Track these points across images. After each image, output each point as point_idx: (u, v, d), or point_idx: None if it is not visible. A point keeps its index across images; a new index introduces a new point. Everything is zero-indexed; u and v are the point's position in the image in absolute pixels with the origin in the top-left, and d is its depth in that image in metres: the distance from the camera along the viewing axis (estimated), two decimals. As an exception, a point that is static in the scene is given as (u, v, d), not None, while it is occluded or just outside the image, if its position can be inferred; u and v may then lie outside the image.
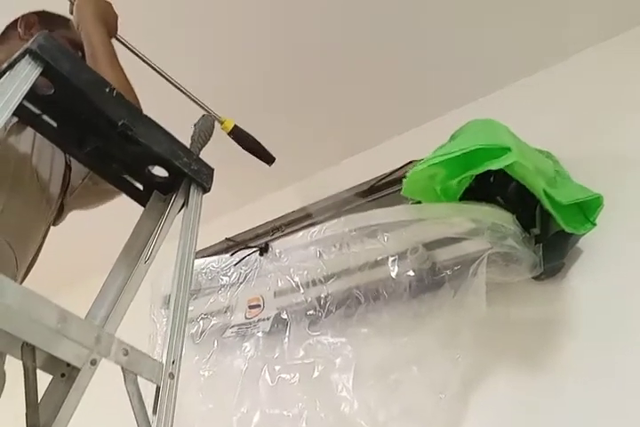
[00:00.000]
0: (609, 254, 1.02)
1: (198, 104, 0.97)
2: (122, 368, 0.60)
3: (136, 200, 0.83)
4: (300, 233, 1.17)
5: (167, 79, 0.98)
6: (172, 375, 0.63)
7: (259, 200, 1.78)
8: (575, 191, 1.04)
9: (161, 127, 0.78)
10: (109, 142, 0.75)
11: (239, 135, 1.00)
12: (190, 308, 1.28)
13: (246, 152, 1.04)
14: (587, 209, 1.05)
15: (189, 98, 0.98)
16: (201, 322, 1.25)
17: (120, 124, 0.71)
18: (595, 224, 1.04)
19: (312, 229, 1.13)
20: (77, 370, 0.59)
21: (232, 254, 1.28)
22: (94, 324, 0.63)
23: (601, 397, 0.90)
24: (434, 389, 0.98)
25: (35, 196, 0.87)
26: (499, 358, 1.04)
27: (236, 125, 0.99)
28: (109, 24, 0.93)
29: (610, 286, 0.99)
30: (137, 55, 0.96)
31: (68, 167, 0.93)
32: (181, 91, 0.99)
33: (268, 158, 1.03)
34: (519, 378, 1.00)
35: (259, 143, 1.02)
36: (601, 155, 1.16)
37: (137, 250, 0.75)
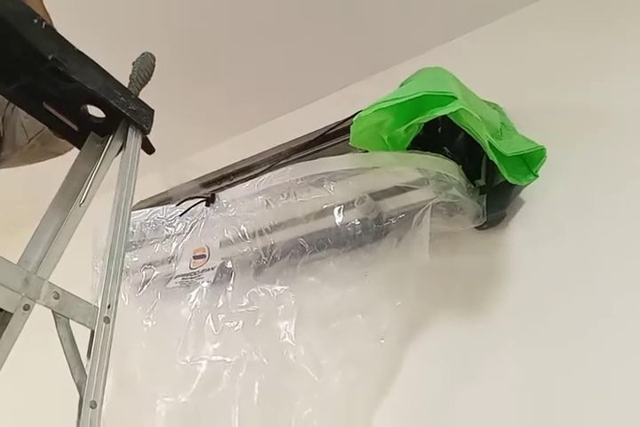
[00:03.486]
0: (549, 205, 1.04)
1: None
2: (52, 312, 0.58)
3: (71, 142, 0.79)
4: (247, 183, 1.15)
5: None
6: (107, 320, 0.62)
7: (207, 149, 1.74)
8: (519, 143, 1.05)
9: (96, 64, 0.73)
10: (39, 79, 0.70)
11: None
12: (135, 258, 1.27)
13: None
14: (530, 161, 1.06)
15: None
16: (144, 272, 1.23)
17: (50, 58, 0.67)
18: (537, 176, 1.05)
19: (259, 179, 1.11)
20: (10, 315, 0.57)
21: (177, 205, 1.25)
22: (20, 266, 0.60)
23: (538, 341, 0.93)
24: (376, 336, 1.00)
25: None
26: (441, 306, 1.06)
27: None
28: None
29: (548, 235, 1.01)
30: None
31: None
32: None
33: (148, 149, 0.98)
34: (460, 324, 1.03)
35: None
36: (546, 108, 1.17)
37: (72, 193, 0.72)
